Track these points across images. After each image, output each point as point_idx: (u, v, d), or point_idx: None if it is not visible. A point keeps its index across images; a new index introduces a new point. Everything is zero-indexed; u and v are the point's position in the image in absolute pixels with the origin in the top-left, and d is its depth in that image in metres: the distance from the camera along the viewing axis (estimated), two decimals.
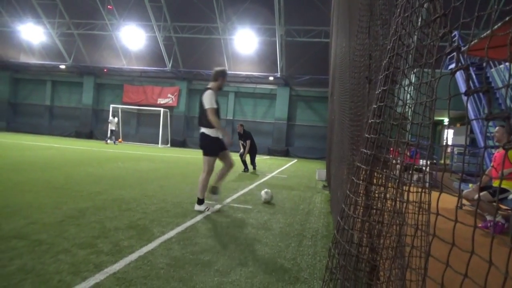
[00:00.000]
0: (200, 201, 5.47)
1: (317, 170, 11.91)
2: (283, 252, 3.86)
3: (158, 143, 24.66)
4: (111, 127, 22.40)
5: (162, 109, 25.11)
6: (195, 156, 18.07)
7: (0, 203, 4.80)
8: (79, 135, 27.29)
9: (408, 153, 1.46)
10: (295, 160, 20.77)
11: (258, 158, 20.32)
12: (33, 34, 26.26)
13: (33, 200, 5.13)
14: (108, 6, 24.24)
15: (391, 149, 1.21)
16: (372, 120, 1.15)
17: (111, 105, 25.77)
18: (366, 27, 1.77)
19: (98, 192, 6.13)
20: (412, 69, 1.08)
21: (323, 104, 23.53)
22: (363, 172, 1.23)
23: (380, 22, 1.49)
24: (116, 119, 23.16)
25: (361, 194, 1.28)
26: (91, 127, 27.88)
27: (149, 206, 5.39)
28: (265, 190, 6.62)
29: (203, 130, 5.47)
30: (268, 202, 6.50)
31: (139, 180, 7.95)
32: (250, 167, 12.41)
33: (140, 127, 27.71)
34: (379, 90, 1.11)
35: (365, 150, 1.16)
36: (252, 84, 26.02)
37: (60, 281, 2.66)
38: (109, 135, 22.22)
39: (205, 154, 5.54)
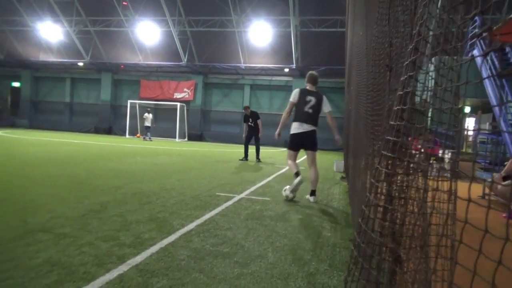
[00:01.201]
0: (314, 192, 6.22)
1: (334, 161, 11.82)
2: (302, 243, 3.85)
3: (175, 137, 24.89)
4: (146, 123, 22.03)
5: (178, 104, 25.29)
6: (211, 149, 18.18)
7: (25, 198, 4.95)
8: (98, 130, 27.79)
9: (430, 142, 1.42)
10: None
11: (275, 150, 20.28)
12: (51, 32, 26.74)
13: (56, 195, 5.26)
14: (123, 3, 24.44)
15: (416, 137, 1.18)
16: (398, 107, 1.12)
17: (129, 101, 26.11)
18: (386, 14, 1.72)
19: (118, 186, 6.24)
20: (439, 54, 1.04)
21: (340, 94, 23.24)
22: (388, 160, 1.21)
23: (400, 8, 1.45)
24: (150, 115, 22.68)
25: (385, 183, 1.26)
26: (109, 123, 28.34)
27: (168, 199, 5.46)
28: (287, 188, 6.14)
29: (314, 128, 6.11)
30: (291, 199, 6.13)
31: (158, 174, 8.06)
32: (251, 157, 12.38)
33: (157, 122, 28.02)
34: (405, 76, 1.08)
35: (390, 138, 1.13)
36: (267, 76, 25.91)
37: (85, 272, 2.73)
38: (138, 130, 22.08)
39: (315, 150, 6.30)
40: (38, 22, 26.48)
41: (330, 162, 13.15)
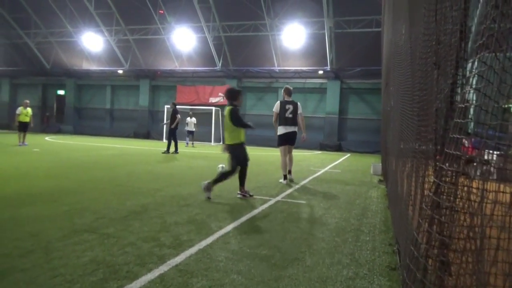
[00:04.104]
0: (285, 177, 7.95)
1: (372, 164, 11.54)
2: (340, 247, 3.79)
3: (210, 141, 25.27)
4: (189, 128, 20.93)
5: (213, 108, 25.67)
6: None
7: (72, 200, 5.20)
8: (137, 135, 28.72)
9: (469, 144, 1.36)
10: (348, 155, 20.28)
11: (310, 153, 20.10)
12: (93, 42, 28.03)
13: (100, 197, 5.50)
14: (160, 11, 25.21)
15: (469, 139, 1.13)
16: (462, 105, 1.08)
17: (166, 106, 26.80)
18: (433, 10, 1.67)
19: (158, 189, 6.41)
20: (504, 52, 0.99)
21: (376, 96, 22.67)
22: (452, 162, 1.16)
23: (448, 3, 1.39)
24: (194, 119, 21.39)
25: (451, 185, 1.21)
26: (147, 128, 29.21)
27: (206, 202, 5.55)
28: (221, 165, 6.61)
29: (295, 129, 7.97)
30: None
31: (195, 177, 8.21)
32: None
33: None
34: (471, 74, 1.03)
35: (456, 135, 1.09)
36: (301, 79, 25.75)
37: (128, 271, 2.83)
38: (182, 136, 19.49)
39: (293, 145, 8.13)
40: (81, 33, 27.85)
41: (367, 165, 12.85)
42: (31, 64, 31.32)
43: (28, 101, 15.71)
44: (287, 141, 7.96)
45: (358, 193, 7.30)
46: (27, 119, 14.91)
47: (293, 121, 7.91)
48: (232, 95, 6.21)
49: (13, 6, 27.60)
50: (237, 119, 5.99)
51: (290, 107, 7.90)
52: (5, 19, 28.28)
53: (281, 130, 7.96)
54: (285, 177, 7.94)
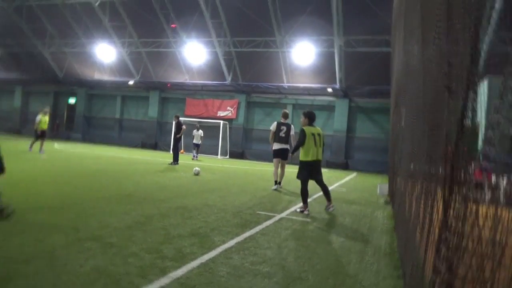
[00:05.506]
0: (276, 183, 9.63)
1: (378, 184, 11.44)
2: (344, 267, 3.74)
3: (217, 154, 25.31)
4: (195, 140, 20.55)
5: (221, 122, 25.80)
6: (252, 167, 18.27)
7: (78, 207, 5.22)
8: (144, 146, 28.88)
9: (478, 168, 1.36)
10: (355, 173, 20.15)
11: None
12: (105, 53, 28.54)
13: (105, 205, 5.51)
14: (172, 25, 25.66)
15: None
16: (472, 128, 1.07)
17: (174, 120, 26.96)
18: (444, 33, 1.68)
19: (163, 200, 6.41)
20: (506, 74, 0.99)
21: (385, 115, 22.62)
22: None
23: (460, 26, 1.40)
24: (200, 131, 20.91)
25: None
26: (155, 139, 29.40)
27: (210, 215, 5.53)
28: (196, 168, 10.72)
29: (287, 146, 9.49)
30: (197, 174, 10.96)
31: (200, 189, 8.20)
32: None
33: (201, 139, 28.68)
34: (466, 97, 1.03)
35: (466, 159, 1.08)
36: (310, 96, 25.85)
37: (129, 282, 2.81)
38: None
39: (286, 159, 9.55)
40: (94, 44, 28.39)
41: (373, 185, 12.74)
42: (44, 73, 31.88)
43: (47, 109, 15.68)
44: (280, 155, 9.53)
45: (364, 213, 7.22)
46: (45, 127, 14.85)
47: (285, 140, 9.48)
48: (314, 118, 6.99)
49: (30, 16, 28.26)
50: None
51: (284, 128, 9.50)
52: (21, 29, 28.95)
53: (276, 146, 9.56)
54: (275, 183, 9.65)
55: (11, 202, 4.40)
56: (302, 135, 6.55)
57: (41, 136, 14.46)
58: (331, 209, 6.79)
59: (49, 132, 27.28)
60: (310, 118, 6.81)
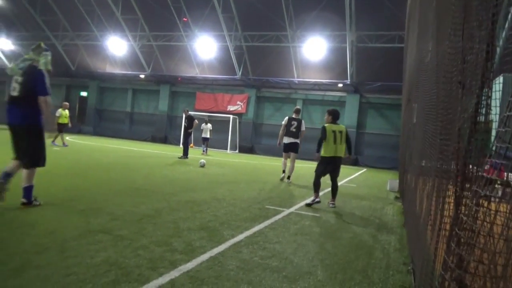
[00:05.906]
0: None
1: (388, 180, 11.35)
2: (353, 263, 3.73)
3: (227, 149, 25.37)
4: (204, 134, 20.31)
5: (231, 116, 25.81)
6: (262, 162, 18.27)
7: (89, 199, 5.29)
8: (154, 139, 29.07)
9: (490, 165, 1.33)
10: (365, 169, 20.03)
11: None
12: (117, 46, 28.71)
13: (116, 198, 5.57)
14: (184, 19, 25.67)
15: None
16: (485, 125, 1.05)
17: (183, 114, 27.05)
18: (459, 30, 1.64)
19: (172, 193, 6.46)
20: None
21: (396, 111, 22.40)
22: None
23: (476, 23, 1.37)
24: (209, 125, 20.88)
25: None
26: (165, 132, 29.57)
27: (219, 209, 5.55)
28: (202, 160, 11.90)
29: (297, 140, 9.95)
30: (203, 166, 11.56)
31: (209, 183, 8.24)
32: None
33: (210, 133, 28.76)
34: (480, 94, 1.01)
35: (478, 156, 1.06)
36: (320, 92, 25.68)
37: (139, 274, 2.84)
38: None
39: (296, 153, 10.05)
40: (106, 37, 28.57)
41: (383, 181, 12.65)
42: (56, 65, 31.88)
43: (67, 103, 16.13)
44: (289, 149, 10.01)
45: (374, 209, 7.18)
46: (65, 121, 15.28)
47: (295, 134, 9.90)
48: (338, 116, 7.18)
49: (44, 8, 28.52)
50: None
51: (295, 123, 9.92)
52: (35, 21, 29.25)
53: (285, 139, 10.00)
54: (283, 171, 10.23)
55: (37, 195, 4.49)
56: (323, 132, 6.75)
57: (61, 129, 14.75)
58: (331, 205, 6.84)
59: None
60: (334, 116, 7.01)
